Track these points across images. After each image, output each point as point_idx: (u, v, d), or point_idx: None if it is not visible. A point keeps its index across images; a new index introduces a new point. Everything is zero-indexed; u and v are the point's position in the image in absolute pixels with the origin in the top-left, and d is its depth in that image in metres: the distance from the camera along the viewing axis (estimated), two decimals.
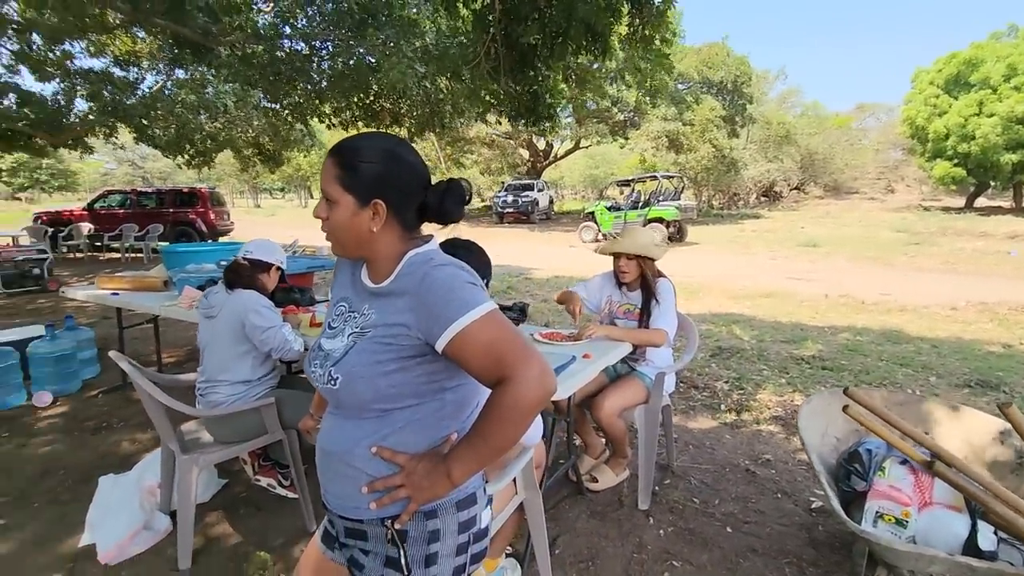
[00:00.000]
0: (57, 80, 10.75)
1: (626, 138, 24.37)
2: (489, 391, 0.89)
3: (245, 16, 5.70)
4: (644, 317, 2.41)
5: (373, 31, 6.00)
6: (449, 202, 0.98)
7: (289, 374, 2.70)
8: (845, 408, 1.81)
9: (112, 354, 2.04)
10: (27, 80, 10.76)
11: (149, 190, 13.98)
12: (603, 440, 2.73)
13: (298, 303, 2.90)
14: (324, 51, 7.59)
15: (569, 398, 2.19)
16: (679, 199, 15.59)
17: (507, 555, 1.95)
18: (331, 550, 1.10)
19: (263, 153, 15.01)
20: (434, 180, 1.00)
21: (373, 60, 6.92)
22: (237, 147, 13.97)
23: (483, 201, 31.09)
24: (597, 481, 2.50)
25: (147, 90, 11.42)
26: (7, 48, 10.18)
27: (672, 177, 17.29)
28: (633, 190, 16.38)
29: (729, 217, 23.01)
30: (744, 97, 24.31)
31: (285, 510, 2.35)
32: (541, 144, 28.85)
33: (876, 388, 3.58)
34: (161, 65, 10.87)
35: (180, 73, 11.93)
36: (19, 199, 43.07)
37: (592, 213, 15.91)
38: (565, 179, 50.42)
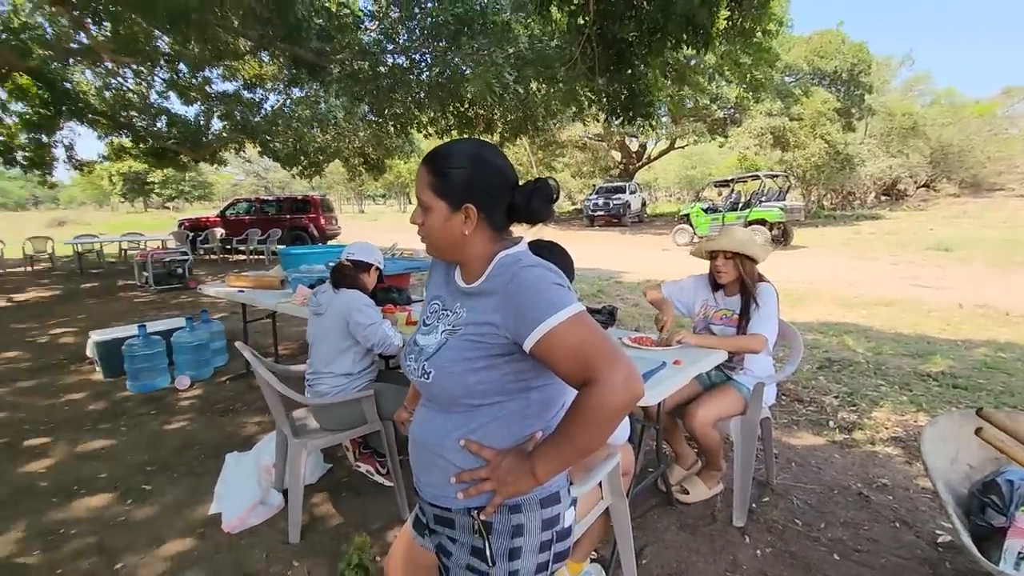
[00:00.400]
0: (198, 103, 12.24)
1: (725, 136, 23.16)
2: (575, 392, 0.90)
3: (354, 35, 6.14)
4: (743, 323, 2.29)
5: (467, 41, 6.22)
6: (537, 202, 0.99)
7: (386, 369, 2.86)
8: (978, 431, 1.60)
9: (238, 344, 2.29)
10: (174, 104, 12.34)
11: (270, 198, 15.42)
12: (695, 451, 2.62)
13: (395, 302, 3.08)
14: (423, 63, 7.99)
15: (659, 405, 2.13)
16: (784, 199, 14.54)
17: (592, 560, 1.94)
18: (421, 536, 1.15)
19: (368, 162, 16.06)
20: (522, 182, 1.02)
21: (467, 70, 7.17)
22: (345, 157, 15.06)
23: (574, 204, 30.97)
24: (688, 493, 2.41)
25: (269, 109, 12.67)
26: (160, 76, 11.76)
27: (776, 176, 16.18)
28: (732, 191, 15.54)
29: (843, 218, 21.12)
30: (862, 87, 22.19)
31: (382, 496, 2.50)
32: (634, 145, 28.22)
33: (1021, 412, 3.12)
34: (281, 85, 11.98)
35: (296, 92, 13.15)
36: (167, 208, 49.38)
37: (687, 215, 15.30)
38: (659, 181, 48.92)
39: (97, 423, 3.39)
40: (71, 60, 10.24)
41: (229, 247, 13.62)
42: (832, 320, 5.77)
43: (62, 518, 2.38)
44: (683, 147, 28.78)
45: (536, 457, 0.91)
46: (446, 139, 9.36)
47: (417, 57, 7.75)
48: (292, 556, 2.10)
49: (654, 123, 5.59)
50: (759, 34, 4.96)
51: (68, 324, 6.39)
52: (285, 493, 2.40)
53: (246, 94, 12.16)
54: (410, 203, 67.00)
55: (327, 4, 6.01)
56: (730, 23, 4.32)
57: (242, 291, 3.82)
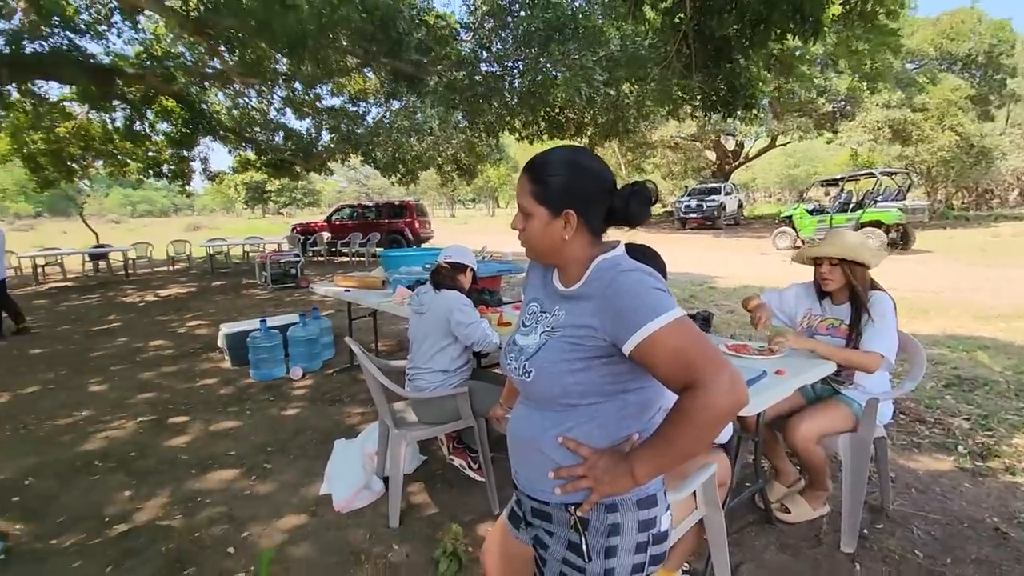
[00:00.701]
0: (309, 118, 13.35)
1: (835, 131, 21.37)
2: (675, 396, 0.90)
3: (450, 46, 6.41)
4: (853, 335, 2.12)
5: (557, 46, 6.27)
6: (635, 205, 1.01)
7: (479, 368, 2.97)
8: None
9: (347, 340, 2.49)
10: (290, 119, 13.52)
11: (370, 204, 16.42)
12: (797, 468, 2.47)
13: (487, 303, 3.19)
14: (515, 70, 8.17)
15: (758, 416, 2.04)
16: (904, 199, 13.15)
17: (684, 572, 1.90)
18: (516, 529, 1.20)
19: (460, 168, 16.65)
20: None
21: (557, 75, 7.23)
22: (439, 164, 15.71)
23: (664, 207, 30.06)
24: (790, 512, 2.28)
25: (371, 120, 13.54)
26: (278, 95, 12.94)
27: (895, 173, 14.67)
28: (842, 190, 14.30)
29: (978, 219, 18.72)
30: (1003, 70, 19.57)
31: (473, 490, 2.60)
32: (730, 144, 26.87)
33: None
34: (382, 98, 12.74)
35: (395, 104, 13.94)
36: (281, 214, 54.10)
37: (789, 217, 14.30)
38: (757, 181, 46.16)
39: (227, 406, 3.81)
40: (206, 84, 11.59)
41: (334, 249, 14.67)
42: (962, 333, 5.16)
43: (199, 488, 2.71)
44: (785, 144, 26.98)
45: (635, 459, 0.93)
46: (538, 144, 9.48)
47: (509, 64, 7.94)
48: (392, 539, 2.25)
49: (759, 114, 5.31)
50: (882, 16, 4.55)
51: (201, 317, 7.22)
52: (386, 480, 2.58)
53: (351, 108, 13.08)
54: (498, 207, 68.25)
55: (425, 18, 6.32)
56: (846, 7, 4.02)
57: (348, 291, 4.13)
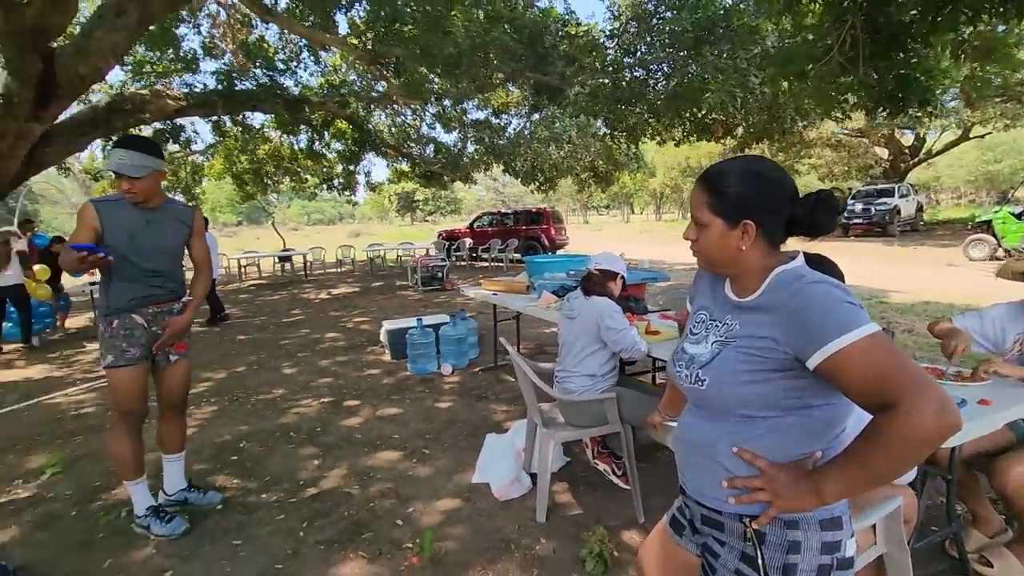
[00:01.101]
0: (456, 131, 14.32)
1: None
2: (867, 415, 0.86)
3: (594, 55, 6.49)
4: None
5: (707, 48, 6.03)
6: (820, 214, 0.98)
7: (623, 375, 2.98)
8: None
9: (501, 340, 2.66)
10: (439, 133, 14.65)
11: (509, 211, 17.07)
12: (1002, 516, 2.12)
13: (633, 311, 3.18)
14: (659, 73, 7.99)
15: (952, 451, 1.80)
16: None
17: None
18: (678, 535, 1.22)
19: (597, 175, 16.66)
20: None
21: (707, 76, 6.93)
22: (576, 171, 15.87)
23: None
24: (992, 567, 1.96)
25: (512, 132, 14.14)
26: (430, 112, 14.07)
27: None
28: None
29: None
30: None
31: (617, 496, 2.62)
32: (907, 139, 23.40)
33: None
34: (524, 110, 13.24)
35: (535, 115, 14.39)
36: (427, 221, 58.48)
37: (987, 222, 12.03)
38: (942, 180, 39.57)
39: (389, 395, 4.25)
40: (372, 106, 12.99)
41: (475, 255, 15.51)
42: None
43: (370, 464, 3.07)
44: (983, 136, 22.80)
45: (822, 477, 0.90)
46: (683, 147, 9.14)
47: (654, 67, 7.79)
48: (540, 533, 2.35)
49: (935, 110, 4.59)
50: None
51: (365, 314, 8.10)
52: (532, 476, 2.70)
53: (494, 120, 13.79)
54: (632, 212, 66.71)
55: (569, 30, 6.47)
56: None
57: (495, 294, 4.38)
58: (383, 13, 5.61)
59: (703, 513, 1.09)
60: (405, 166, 14.80)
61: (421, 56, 5.49)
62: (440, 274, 10.39)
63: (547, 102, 8.57)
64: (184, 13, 9.56)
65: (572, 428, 2.53)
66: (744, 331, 1.00)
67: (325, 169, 14.92)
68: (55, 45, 6.45)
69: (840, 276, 1.58)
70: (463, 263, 15.22)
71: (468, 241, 15.39)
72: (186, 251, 2.44)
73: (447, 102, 12.77)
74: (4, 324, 6.57)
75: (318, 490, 2.79)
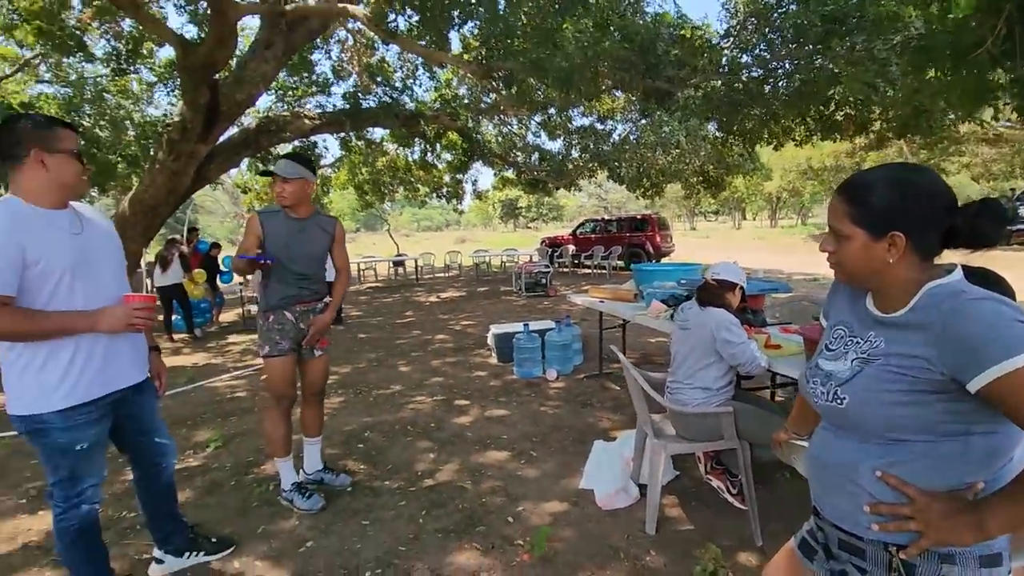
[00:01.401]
0: (561, 138, 14.43)
1: None
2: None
3: (709, 57, 6.26)
4: None
5: (838, 40, 5.57)
6: (985, 224, 0.91)
7: (739, 389, 2.85)
8: None
9: (612, 348, 2.67)
10: (544, 141, 14.86)
11: (612, 218, 16.87)
12: None
13: (751, 323, 3.04)
14: (780, 71, 7.50)
15: None
16: None
17: None
18: (810, 559, 1.17)
19: (707, 180, 15.93)
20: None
21: (836, 70, 6.39)
22: (684, 177, 15.31)
23: None
24: None
25: (617, 137, 13.96)
26: (535, 120, 14.32)
27: None
28: None
29: None
30: None
31: (730, 515, 2.52)
32: None
33: None
34: (632, 115, 13.03)
35: (642, 120, 14.09)
36: (530, 228, 59.36)
37: None
38: None
39: (497, 396, 4.41)
40: (480, 117, 13.50)
41: (577, 261, 15.50)
42: None
43: (480, 462, 3.22)
44: None
45: (988, 509, 0.84)
46: (807, 148, 8.51)
47: (774, 66, 7.33)
48: (649, 545, 2.33)
49: None
50: None
51: (471, 318, 8.43)
52: (640, 487, 2.68)
53: (599, 126, 13.72)
54: (744, 219, 62.79)
55: (682, 33, 6.29)
56: None
57: (602, 301, 4.38)
58: (496, 29, 5.86)
59: (840, 537, 1.04)
60: (511, 174, 15.18)
61: (533, 69, 5.65)
62: (544, 280, 10.53)
63: (656, 106, 8.38)
64: (318, 41, 10.62)
65: (684, 441, 2.47)
66: (891, 349, 0.95)
67: (435, 179, 15.75)
68: (218, 77, 7.48)
69: (1011, 294, 1.42)
70: (566, 270, 15.27)
71: (571, 248, 15.41)
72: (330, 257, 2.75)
73: (552, 110, 12.95)
74: (173, 317, 7.69)
75: (434, 482, 2.97)
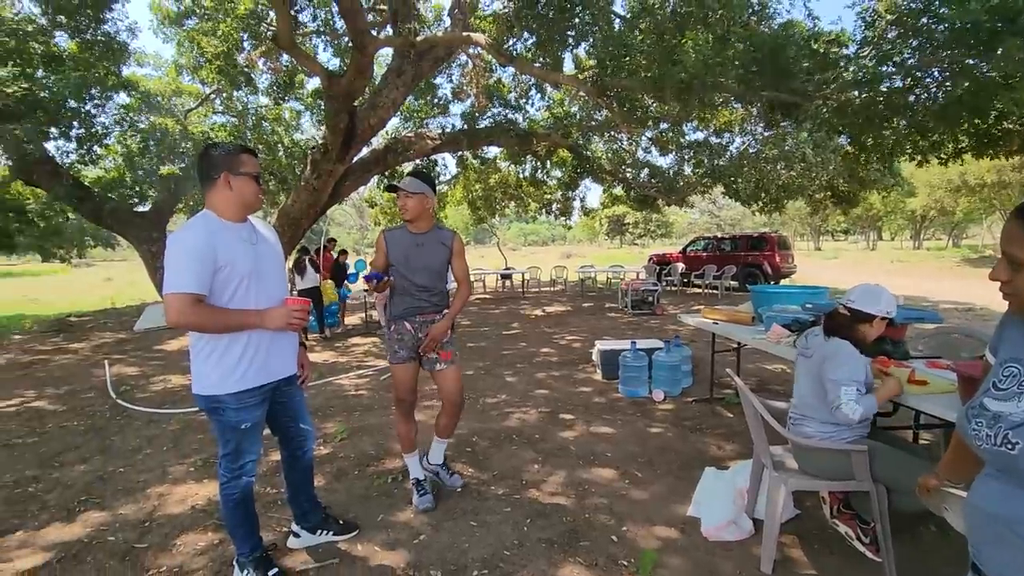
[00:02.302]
0: (672, 153, 14.05)
1: None
2: None
3: (844, 68, 5.81)
4: None
5: (1011, 41, 4.90)
6: None
7: (875, 427, 2.60)
8: None
9: (729, 372, 2.57)
10: (654, 156, 14.51)
11: (726, 236, 16.04)
12: None
13: (889, 354, 2.76)
14: (927, 79, 6.74)
15: None
16: None
17: None
18: None
19: (836, 196, 14.62)
20: None
21: (1002, 76, 5.61)
22: (809, 192, 14.18)
23: None
24: None
25: (735, 151, 13.31)
26: (646, 136, 14.09)
27: None
28: None
29: None
30: None
31: (859, 565, 2.30)
32: None
33: None
34: (751, 128, 12.38)
35: (761, 132, 13.31)
36: (636, 244, 58.12)
37: None
38: None
39: (601, 413, 4.39)
40: (590, 134, 13.57)
41: (687, 280, 14.90)
42: None
43: (585, 477, 3.23)
44: None
45: None
46: (954, 165, 7.57)
47: (921, 74, 6.61)
48: None
49: None
50: None
51: (576, 333, 8.45)
52: (755, 522, 2.54)
53: (714, 140, 13.18)
54: (880, 239, 56.54)
55: (814, 45, 5.90)
56: None
57: (716, 323, 4.21)
58: (613, 49, 5.91)
59: None
60: (620, 190, 15.05)
61: (650, 85, 5.62)
62: (651, 298, 10.27)
63: (780, 119, 7.91)
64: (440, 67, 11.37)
65: (808, 477, 2.31)
66: None
67: (545, 195, 16.05)
68: (356, 103, 8.29)
69: None
70: (674, 288, 14.75)
71: (680, 266, 14.87)
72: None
73: (664, 125, 12.67)
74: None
75: (539, 492, 3.04)
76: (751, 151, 12.93)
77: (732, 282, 14.25)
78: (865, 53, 6.40)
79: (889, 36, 5.81)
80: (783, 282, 15.29)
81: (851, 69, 5.90)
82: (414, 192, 2.71)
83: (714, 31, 5.87)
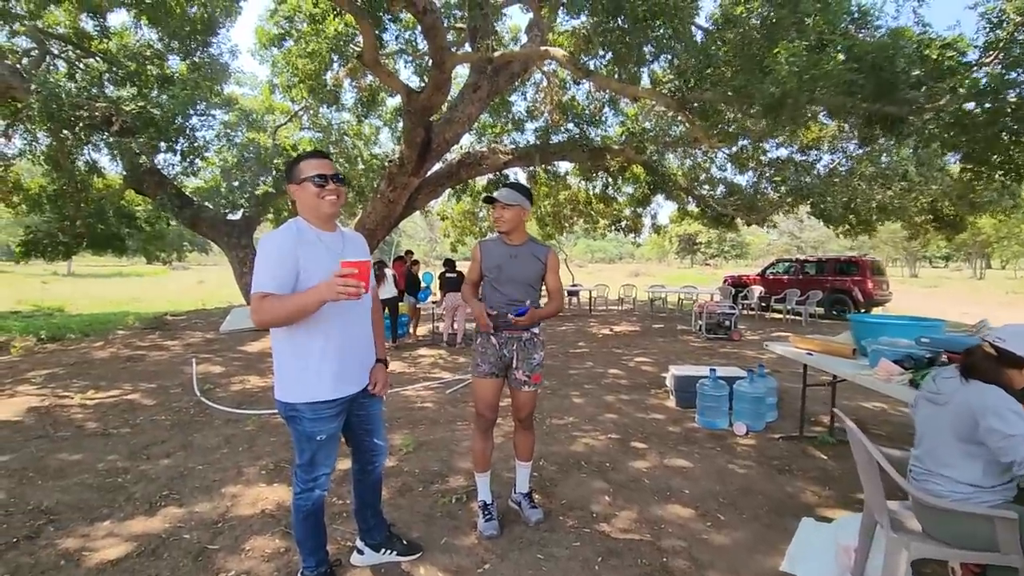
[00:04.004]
0: (752, 171, 13.38)
1: None
2: None
3: (963, 76, 5.24)
4: None
5: None
6: None
7: (1020, 491, 2.21)
8: None
9: (836, 411, 2.28)
10: (731, 173, 13.87)
11: (811, 259, 15.02)
12: None
13: None
14: None
15: None
16: None
17: None
18: None
19: (939, 219, 13.35)
20: None
21: None
22: (908, 214, 13.03)
23: None
24: None
25: (824, 168, 12.48)
26: (724, 152, 13.51)
27: None
28: None
29: None
30: None
31: None
32: None
33: None
34: (844, 144, 11.57)
35: (852, 147, 12.40)
36: (708, 264, 56.03)
37: None
38: None
39: (676, 444, 4.11)
40: (663, 150, 13.18)
41: (765, 305, 14.06)
42: None
43: (660, 515, 2.98)
44: None
45: None
46: None
47: None
48: None
49: None
50: None
51: (646, 355, 8.10)
52: None
53: (799, 157, 12.42)
54: (989, 267, 51.48)
55: (926, 52, 5.37)
56: None
57: (811, 354, 3.84)
58: (694, 60, 5.65)
59: None
60: (694, 208, 14.49)
61: (737, 98, 5.30)
62: (727, 322, 9.72)
63: (880, 134, 7.29)
64: (516, 83, 11.46)
65: (936, 543, 1.98)
66: None
67: (615, 212, 15.73)
68: (433, 119, 8.48)
69: None
70: (751, 313, 13.95)
71: (758, 289, 14.05)
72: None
73: (745, 141, 12.09)
74: None
75: (610, 528, 2.83)
76: (841, 169, 12.10)
77: (817, 308, 13.27)
78: (989, 60, 5.77)
79: (1020, 39, 5.18)
80: (876, 311, 14.09)
81: (972, 77, 5.31)
82: (511, 204, 2.65)
83: (808, 39, 5.48)
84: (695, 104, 6.71)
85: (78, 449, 3.93)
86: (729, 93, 5.61)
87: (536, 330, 2.79)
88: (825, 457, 3.86)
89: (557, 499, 3.16)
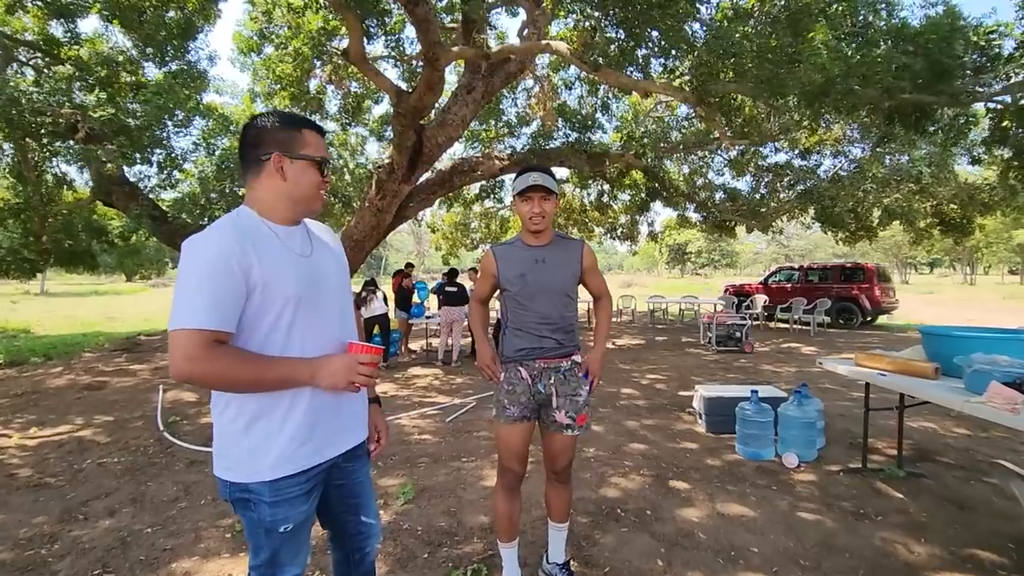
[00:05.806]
0: (750, 175, 13.00)
1: None
2: None
3: (1009, 63, 4.79)
4: None
5: None
6: None
7: None
8: None
9: (1005, 463, 1.68)
10: (727, 179, 13.50)
11: (815, 266, 14.63)
12: None
13: None
14: None
15: None
16: None
17: None
18: None
19: (946, 222, 13.01)
20: None
21: None
22: (915, 218, 12.68)
23: None
24: None
25: (825, 172, 12.11)
26: (722, 156, 13.12)
27: None
28: None
29: None
30: None
31: None
32: None
33: None
34: (853, 148, 11.22)
35: (856, 150, 12.06)
36: (699, 274, 55.88)
37: None
38: None
39: (724, 482, 3.48)
40: (661, 155, 12.72)
41: (769, 315, 13.59)
42: None
43: None
44: None
45: None
46: None
47: None
48: None
49: None
50: None
51: (657, 371, 7.50)
52: None
53: (798, 162, 12.07)
54: (973, 272, 51.99)
55: (973, 38, 4.90)
56: None
57: (883, 374, 3.25)
58: (718, 49, 5.15)
59: None
60: (693, 214, 14.03)
61: (767, 88, 4.79)
62: (739, 334, 9.18)
63: (902, 130, 6.84)
64: (504, 91, 10.95)
65: None
66: None
67: (611, 219, 15.23)
68: (424, 121, 7.89)
69: None
70: (756, 323, 13.44)
71: (762, 298, 13.57)
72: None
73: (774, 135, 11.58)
74: None
75: None
76: (842, 172, 11.72)
77: (825, 317, 12.81)
78: None
79: None
80: (883, 319, 13.69)
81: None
82: (553, 193, 2.04)
83: (835, 26, 5.00)
84: (715, 98, 6.19)
85: (0, 508, 3.21)
86: (753, 84, 5.10)
87: (577, 357, 2.18)
88: (900, 495, 3.27)
89: (598, 566, 2.52)
